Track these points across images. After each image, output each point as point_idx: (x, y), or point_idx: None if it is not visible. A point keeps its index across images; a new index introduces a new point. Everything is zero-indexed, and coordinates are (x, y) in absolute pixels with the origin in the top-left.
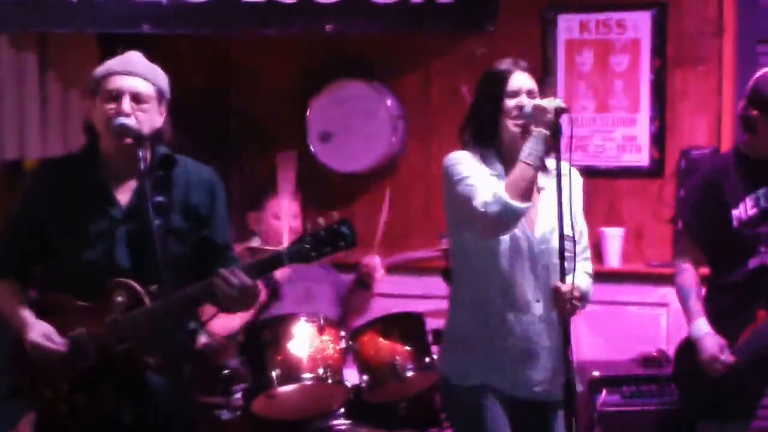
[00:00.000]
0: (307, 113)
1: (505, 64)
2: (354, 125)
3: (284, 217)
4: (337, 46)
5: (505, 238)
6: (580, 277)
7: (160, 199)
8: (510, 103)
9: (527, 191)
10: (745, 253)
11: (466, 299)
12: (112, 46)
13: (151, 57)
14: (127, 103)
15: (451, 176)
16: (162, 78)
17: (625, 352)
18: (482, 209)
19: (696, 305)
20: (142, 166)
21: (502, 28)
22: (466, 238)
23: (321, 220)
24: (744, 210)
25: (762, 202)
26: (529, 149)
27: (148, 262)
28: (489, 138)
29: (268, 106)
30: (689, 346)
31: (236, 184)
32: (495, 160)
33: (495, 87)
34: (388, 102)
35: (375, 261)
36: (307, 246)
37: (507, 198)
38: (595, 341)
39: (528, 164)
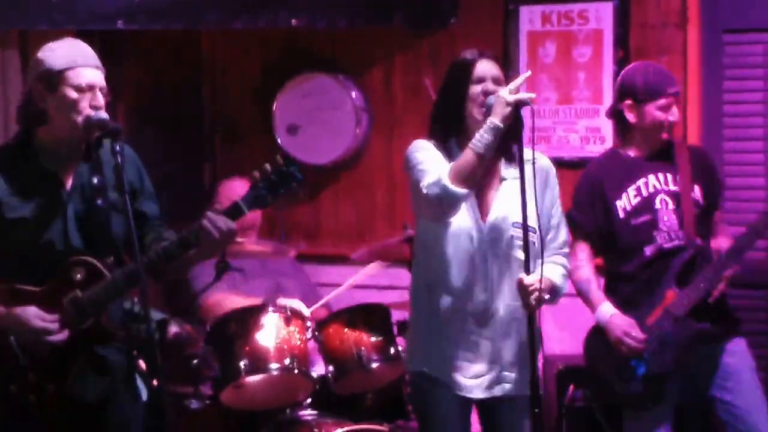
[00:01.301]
0: (274, 106)
1: (469, 52)
2: (319, 118)
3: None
4: (303, 40)
5: (453, 226)
6: (552, 270)
7: (98, 178)
8: (476, 89)
9: (470, 178)
10: (639, 242)
11: (420, 285)
12: (89, 42)
13: (125, 53)
14: (101, 97)
15: (408, 162)
16: None
17: None
18: (425, 191)
19: (596, 294)
20: (118, 159)
21: (464, 21)
22: (422, 224)
23: (267, 166)
24: (627, 200)
25: (643, 190)
26: (479, 138)
27: (98, 240)
28: (454, 127)
29: (237, 99)
30: (597, 335)
31: (208, 177)
32: (458, 151)
33: (460, 74)
34: (353, 94)
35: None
36: (263, 191)
37: (447, 182)
38: (562, 335)
39: (474, 152)
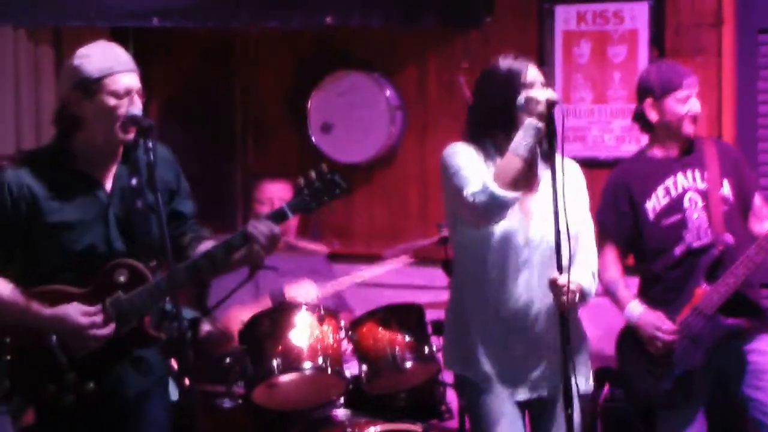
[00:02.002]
0: (308, 104)
1: (515, 59)
2: (354, 116)
3: (278, 202)
4: (336, 38)
5: (498, 230)
6: (581, 273)
7: (137, 180)
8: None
9: (515, 181)
10: (669, 242)
11: (464, 290)
12: (124, 40)
13: (157, 51)
14: (138, 102)
15: (447, 168)
16: None
17: None
18: (471, 199)
19: (624, 292)
20: (150, 156)
21: (499, 21)
22: (463, 229)
23: (312, 173)
24: (657, 201)
25: (672, 190)
26: (518, 140)
27: (139, 242)
28: (495, 132)
29: (269, 98)
30: (628, 335)
31: (239, 177)
32: (496, 155)
33: (511, 81)
34: (387, 93)
35: None
36: (307, 197)
37: (494, 188)
38: (597, 334)
39: (516, 155)
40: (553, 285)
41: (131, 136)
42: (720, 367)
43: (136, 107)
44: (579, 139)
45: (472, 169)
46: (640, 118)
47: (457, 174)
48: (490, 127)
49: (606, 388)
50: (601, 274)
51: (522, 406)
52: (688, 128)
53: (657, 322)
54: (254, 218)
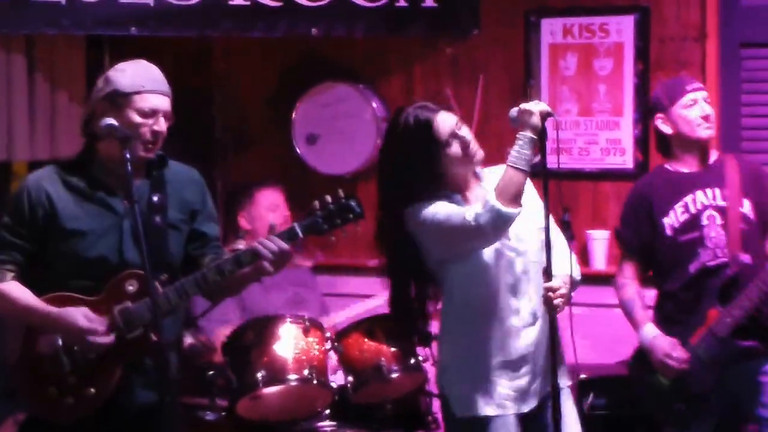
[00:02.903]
0: (293, 115)
1: (422, 110)
2: (339, 128)
3: (278, 209)
4: (321, 48)
5: (488, 254)
6: (563, 262)
7: (158, 196)
8: (449, 142)
9: (517, 195)
10: (684, 259)
11: (457, 311)
12: (99, 48)
13: (131, 58)
14: (163, 123)
15: (431, 223)
16: None
17: (611, 355)
18: (474, 222)
19: (640, 314)
20: (128, 167)
21: (485, 32)
22: (454, 266)
23: (328, 197)
24: (675, 217)
25: (691, 207)
26: (516, 153)
27: (153, 256)
28: (437, 182)
29: (252, 108)
30: (641, 356)
31: (221, 187)
32: (453, 197)
33: (425, 136)
34: (374, 104)
35: None
36: (319, 219)
37: (498, 205)
38: (582, 343)
39: (516, 168)
40: (548, 291)
41: (152, 154)
42: (732, 387)
43: (161, 131)
44: (565, 151)
45: (451, 206)
46: (659, 140)
47: (448, 219)
48: (431, 181)
49: (591, 396)
50: (619, 290)
51: (522, 417)
52: (702, 132)
53: (668, 349)
54: (243, 229)
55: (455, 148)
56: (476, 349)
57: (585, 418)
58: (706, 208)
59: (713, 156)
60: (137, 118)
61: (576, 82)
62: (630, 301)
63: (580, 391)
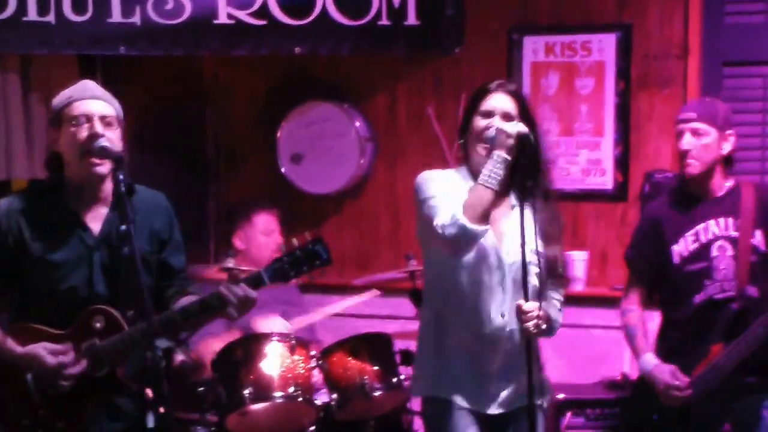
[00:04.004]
0: (278, 134)
1: (491, 83)
2: (324, 147)
3: (273, 234)
4: (306, 67)
5: (471, 255)
6: (549, 304)
7: (127, 226)
8: (480, 123)
9: (485, 214)
10: (690, 289)
11: (434, 313)
12: (92, 67)
13: (126, 78)
14: (99, 125)
15: (418, 195)
16: (117, 103)
17: (589, 376)
18: (440, 231)
19: (642, 342)
20: (122, 187)
21: (468, 50)
22: (433, 253)
23: (295, 241)
24: (685, 246)
25: (702, 236)
26: (488, 172)
27: (122, 289)
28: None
29: (241, 123)
30: (642, 385)
31: (211, 204)
32: (470, 179)
33: (471, 103)
34: (357, 124)
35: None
36: (286, 265)
37: (464, 221)
38: (559, 364)
39: (486, 187)
40: (519, 310)
41: (104, 168)
42: (734, 419)
43: (106, 139)
44: None
45: (442, 198)
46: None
47: (426, 203)
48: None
49: (568, 415)
50: (624, 315)
51: (486, 419)
52: (685, 167)
53: (669, 378)
54: (237, 249)
55: (480, 124)
56: (444, 333)
57: None
58: (717, 238)
59: (729, 182)
60: (71, 128)
61: (558, 101)
62: (633, 328)
63: (558, 411)
